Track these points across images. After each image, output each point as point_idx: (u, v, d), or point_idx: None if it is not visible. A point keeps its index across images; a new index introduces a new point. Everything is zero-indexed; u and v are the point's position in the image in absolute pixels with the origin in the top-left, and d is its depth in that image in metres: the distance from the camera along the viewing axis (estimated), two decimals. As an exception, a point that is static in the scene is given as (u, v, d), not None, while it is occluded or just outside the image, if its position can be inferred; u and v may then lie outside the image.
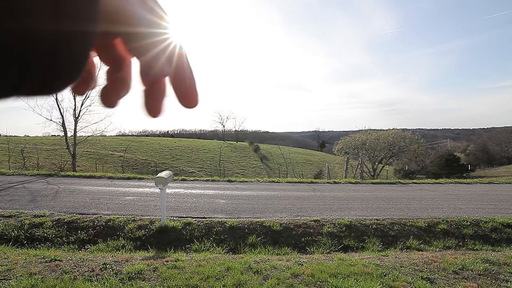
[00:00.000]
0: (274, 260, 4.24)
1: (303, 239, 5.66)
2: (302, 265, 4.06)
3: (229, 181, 11.46)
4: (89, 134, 19.70)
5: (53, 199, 7.61)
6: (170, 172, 6.19)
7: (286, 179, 12.86)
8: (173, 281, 3.47)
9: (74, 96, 17.86)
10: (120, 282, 3.46)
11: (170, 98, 0.32)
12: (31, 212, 6.25)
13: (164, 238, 5.49)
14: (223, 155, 39.18)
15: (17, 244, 5.23)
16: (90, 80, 0.30)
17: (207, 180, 11.63)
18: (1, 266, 3.77)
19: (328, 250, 5.32)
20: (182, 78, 0.31)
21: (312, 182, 11.92)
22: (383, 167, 24.22)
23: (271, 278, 3.59)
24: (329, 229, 5.89)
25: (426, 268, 3.98)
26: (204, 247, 5.26)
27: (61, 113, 17.80)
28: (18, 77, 0.20)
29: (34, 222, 5.78)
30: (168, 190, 8.72)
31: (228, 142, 57.30)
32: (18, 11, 0.19)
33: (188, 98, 0.32)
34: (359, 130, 26.35)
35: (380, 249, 5.40)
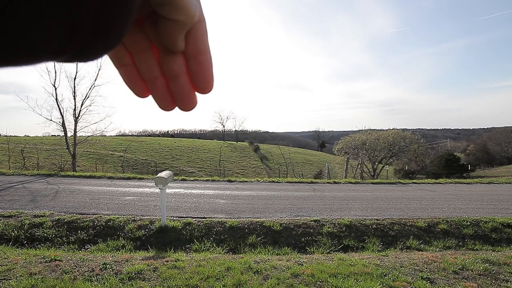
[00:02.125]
0: (274, 260, 4.24)
1: (303, 239, 5.66)
2: (302, 265, 4.06)
3: (229, 181, 11.46)
4: (89, 134, 19.69)
5: (53, 199, 7.61)
6: (170, 172, 6.19)
7: (286, 179, 12.86)
8: (173, 281, 3.47)
9: (74, 96, 17.88)
10: (120, 282, 3.46)
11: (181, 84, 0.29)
12: (31, 212, 6.25)
13: (164, 238, 5.49)
14: (223, 155, 39.18)
15: (17, 244, 5.23)
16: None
17: (207, 180, 11.62)
18: (1, 266, 3.77)
19: (328, 250, 5.32)
20: (203, 56, 0.28)
21: (312, 182, 11.92)
22: (383, 167, 24.20)
23: (271, 278, 3.59)
24: (329, 229, 5.89)
25: (426, 268, 3.98)
26: (204, 247, 5.26)
27: (61, 113, 17.80)
28: (66, 34, 0.19)
29: (34, 222, 5.78)
30: (168, 190, 8.72)
31: (228, 142, 57.26)
32: None
33: (206, 80, 0.29)
34: (359, 130, 26.36)
35: (380, 249, 5.40)
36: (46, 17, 0.17)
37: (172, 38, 0.26)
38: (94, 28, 0.19)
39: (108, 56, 0.28)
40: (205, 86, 0.29)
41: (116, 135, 48.77)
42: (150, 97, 0.30)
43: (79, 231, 5.61)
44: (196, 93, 0.30)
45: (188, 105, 0.30)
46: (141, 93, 0.30)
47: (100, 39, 0.20)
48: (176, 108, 0.30)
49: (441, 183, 12.04)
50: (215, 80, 0.29)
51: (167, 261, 4.09)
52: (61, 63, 0.23)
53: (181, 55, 0.28)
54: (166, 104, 0.30)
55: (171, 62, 0.28)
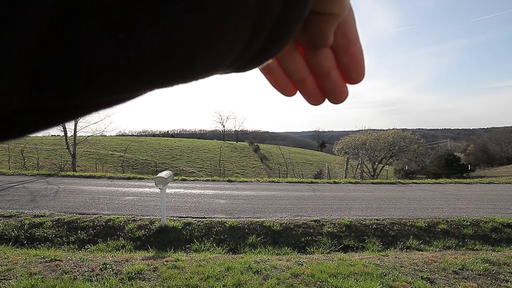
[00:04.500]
0: (274, 260, 4.24)
1: (303, 239, 5.66)
2: (302, 265, 4.06)
3: (229, 181, 11.46)
4: (89, 134, 19.73)
5: (53, 199, 7.61)
6: (170, 172, 6.19)
7: (286, 179, 12.86)
8: (173, 281, 3.47)
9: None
10: (120, 282, 3.46)
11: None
12: (31, 212, 6.25)
13: (164, 238, 5.49)
14: (223, 155, 39.14)
15: (17, 244, 5.23)
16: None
17: (207, 180, 11.63)
18: (1, 266, 3.77)
19: (328, 250, 5.32)
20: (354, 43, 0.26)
21: (312, 182, 11.92)
22: (383, 167, 24.19)
23: (271, 278, 3.59)
24: (329, 229, 5.89)
25: (426, 268, 3.98)
26: (204, 247, 5.26)
27: (61, 113, 17.79)
28: (245, 42, 0.17)
29: (34, 222, 5.78)
30: (168, 190, 8.72)
31: (228, 142, 57.24)
32: None
33: (359, 71, 0.27)
34: (359, 130, 26.33)
35: (380, 249, 5.41)
36: (233, 22, 0.16)
37: (324, 33, 0.23)
38: (270, 34, 0.18)
39: None
40: (358, 77, 0.27)
41: (116, 135, 48.72)
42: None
43: (79, 231, 5.61)
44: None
45: (340, 98, 0.28)
46: (289, 94, 0.29)
47: (272, 47, 0.19)
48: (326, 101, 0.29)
49: (441, 183, 12.04)
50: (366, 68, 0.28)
51: (167, 261, 4.09)
52: (221, 74, 0.21)
53: (330, 50, 0.26)
54: (316, 100, 0.28)
55: (321, 59, 0.26)
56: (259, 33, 0.17)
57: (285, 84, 0.28)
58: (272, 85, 0.29)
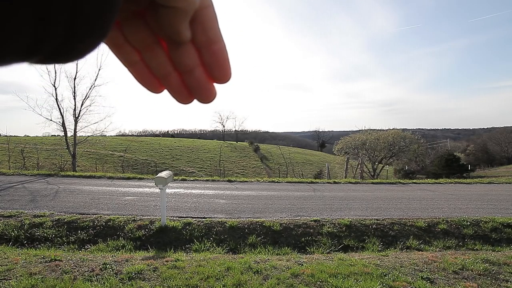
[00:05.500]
0: (274, 260, 4.24)
1: (303, 239, 5.65)
2: (302, 265, 4.06)
3: (229, 181, 11.46)
4: (89, 134, 19.68)
5: (53, 199, 7.61)
6: (170, 172, 6.19)
7: (286, 179, 12.85)
8: (173, 281, 3.47)
9: (74, 96, 17.88)
10: (120, 282, 3.46)
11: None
12: (31, 212, 6.25)
13: (164, 238, 5.49)
14: (223, 155, 39.10)
15: (17, 244, 5.22)
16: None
17: (207, 180, 11.62)
18: (1, 266, 3.77)
19: (328, 250, 5.32)
20: (215, 42, 0.26)
21: (312, 182, 11.91)
22: (383, 167, 24.17)
23: (271, 278, 3.58)
24: (329, 229, 5.89)
25: (426, 268, 3.98)
26: (204, 247, 5.26)
27: (61, 113, 17.79)
28: (35, 34, 0.17)
29: (34, 222, 5.78)
30: (168, 190, 8.72)
31: (228, 142, 57.20)
32: None
33: (223, 70, 0.27)
34: (359, 130, 26.29)
35: (380, 249, 5.40)
36: (11, 11, 0.15)
37: (175, 28, 0.23)
38: (71, 23, 0.17)
39: (114, 55, 0.27)
40: (223, 76, 0.27)
41: (116, 135, 48.62)
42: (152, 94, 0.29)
43: (79, 231, 5.61)
44: (215, 84, 0.28)
45: (207, 97, 0.28)
46: (155, 90, 0.28)
47: (78, 37, 0.18)
48: (195, 101, 0.29)
49: (441, 183, 12.04)
50: (232, 69, 0.28)
51: (167, 261, 4.09)
52: (36, 64, 0.20)
53: (193, 47, 0.26)
54: (183, 98, 0.28)
55: (182, 55, 0.26)
56: (50, 25, 0.17)
57: (149, 79, 0.28)
58: (137, 80, 0.28)
